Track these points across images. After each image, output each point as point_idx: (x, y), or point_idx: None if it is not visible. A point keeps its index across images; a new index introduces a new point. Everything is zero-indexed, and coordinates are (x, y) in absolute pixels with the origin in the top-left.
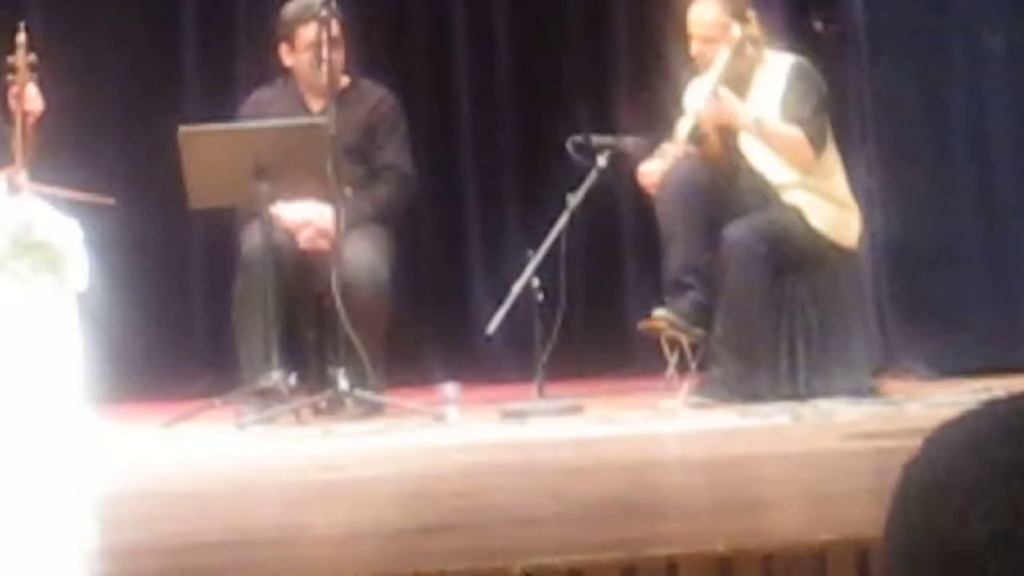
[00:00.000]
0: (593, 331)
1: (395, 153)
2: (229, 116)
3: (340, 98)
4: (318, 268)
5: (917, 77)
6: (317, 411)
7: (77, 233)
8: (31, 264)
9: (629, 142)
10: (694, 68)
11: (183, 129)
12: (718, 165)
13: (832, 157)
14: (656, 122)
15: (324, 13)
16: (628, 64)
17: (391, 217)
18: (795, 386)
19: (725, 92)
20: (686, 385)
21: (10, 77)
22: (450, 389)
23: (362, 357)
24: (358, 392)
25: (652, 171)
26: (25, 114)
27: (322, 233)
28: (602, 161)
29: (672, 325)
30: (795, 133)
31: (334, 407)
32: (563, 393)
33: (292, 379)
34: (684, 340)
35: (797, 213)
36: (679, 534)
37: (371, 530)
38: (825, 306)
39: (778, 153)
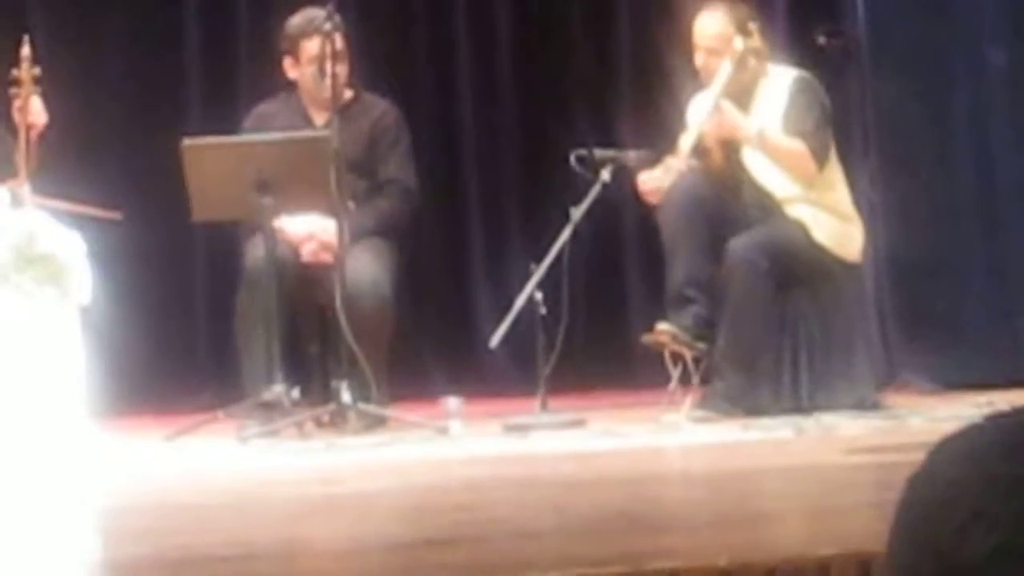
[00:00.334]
0: (596, 344)
1: (398, 166)
2: (232, 129)
3: (343, 111)
4: (321, 281)
5: (919, 91)
6: (320, 424)
7: (80, 246)
8: (34, 277)
9: (632, 156)
10: (698, 82)
11: (186, 142)
12: (721, 179)
13: (835, 170)
14: (659, 136)
15: (328, 27)
16: (631, 78)
17: (394, 230)
18: (798, 400)
19: (727, 105)
20: (689, 399)
21: (14, 90)
22: (453, 402)
23: (365, 370)
24: (361, 405)
25: (651, 180)
26: (29, 127)
27: (325, 246)
28: (606, 175)
29: (675, 339)
30: (798, 146)
31: (337, 420)
32: (566, 406)
33: (295, 392)
34: (687, 354)
35: (800, 227)
36: (681, 548)
37: (373, 543)
38: (828, 320)
39: (781, 166)
